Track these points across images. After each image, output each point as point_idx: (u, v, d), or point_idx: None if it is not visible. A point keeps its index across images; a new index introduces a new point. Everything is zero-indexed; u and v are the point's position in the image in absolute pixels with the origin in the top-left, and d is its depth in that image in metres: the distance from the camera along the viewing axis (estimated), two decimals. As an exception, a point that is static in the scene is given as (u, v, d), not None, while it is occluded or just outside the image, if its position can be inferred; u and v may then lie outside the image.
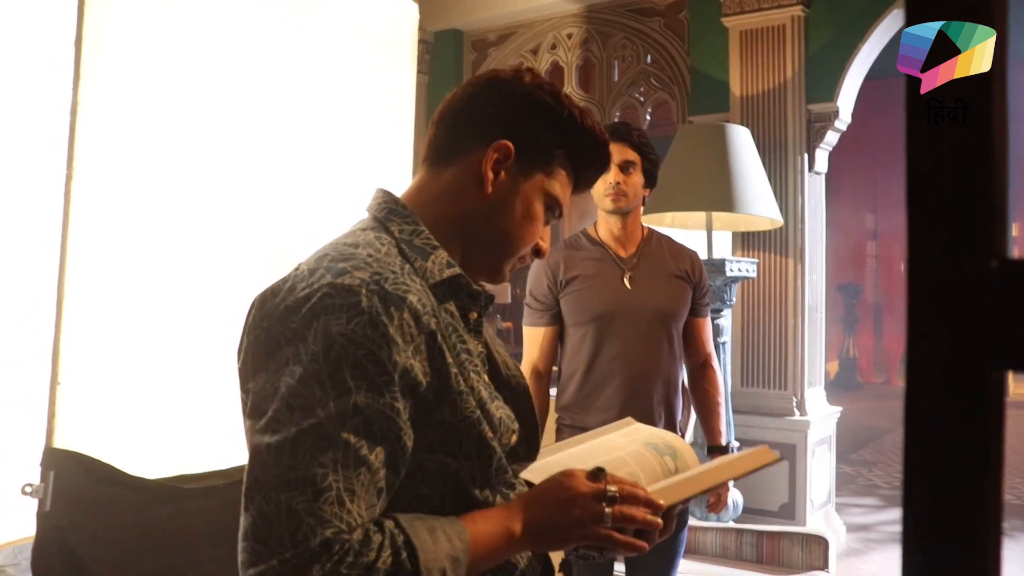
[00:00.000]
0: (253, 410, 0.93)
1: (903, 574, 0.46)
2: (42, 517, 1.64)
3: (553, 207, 1.13)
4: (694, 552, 3.58)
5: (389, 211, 1.08)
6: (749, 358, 4.62)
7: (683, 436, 2.78)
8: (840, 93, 4.48)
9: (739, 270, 3.98)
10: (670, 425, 2.39)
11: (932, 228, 0.44)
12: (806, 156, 4.54)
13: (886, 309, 12.62)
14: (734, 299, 4.12)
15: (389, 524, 0.91)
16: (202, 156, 1.98)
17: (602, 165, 1.18)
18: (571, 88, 5.37)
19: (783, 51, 4.52)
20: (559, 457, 1.22)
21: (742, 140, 3.94)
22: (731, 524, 3.73)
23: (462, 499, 1.01)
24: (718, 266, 3.90)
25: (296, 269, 0.99)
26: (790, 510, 4.34)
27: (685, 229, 4.51)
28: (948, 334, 0.44)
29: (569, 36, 5.40)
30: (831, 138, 4.61)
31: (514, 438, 1.10)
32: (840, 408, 4.85)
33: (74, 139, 1.70)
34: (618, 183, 2.35)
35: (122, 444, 1.79)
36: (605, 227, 2.46)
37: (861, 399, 10.46)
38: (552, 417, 2.50)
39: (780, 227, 4.32)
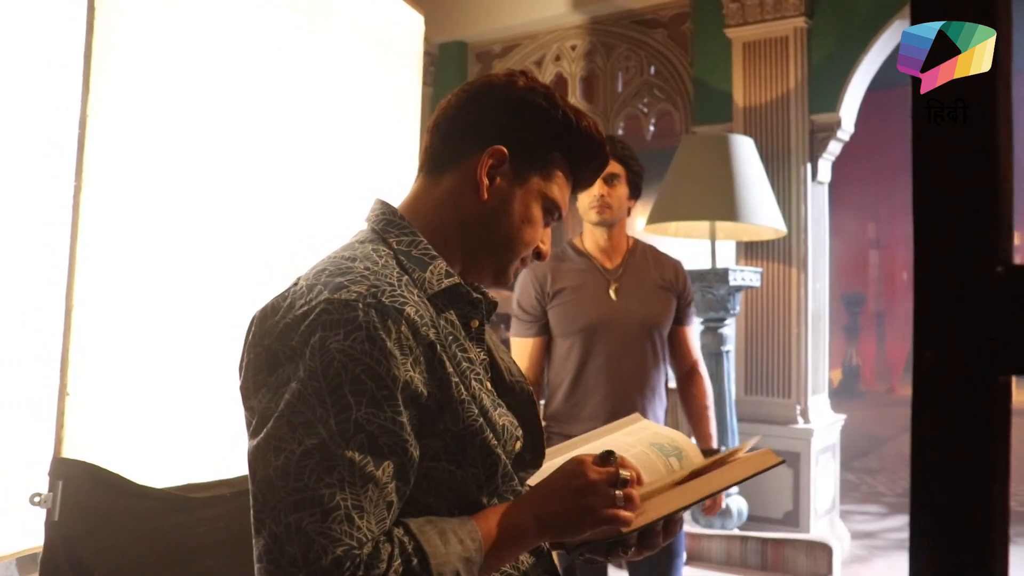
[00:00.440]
0: (256, 428, 0.93)
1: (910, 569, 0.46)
2: (50, 527, 1.64)
3: (552, 209, 1.13)
4: (699, 559, 3.57)
5: (387, 223, 1.08)
6: (753, 366, 4.62)
7: None
8: (843, 103, 4.50)
9: (743, 279, 3.98)
10: None
11: (938, 235, 0.45)
12: (809, 166, 4.55)
13: (888, 318, 12.62)
14: (738, 308, 4.13)
15: (398, 532, 0.91)
16: (209, 162, 1.99)
17: (600, 165, 1.16)
18: (575, 99, 5.39)
19: (786, 62, 4.54)
20: (561, 461, 1.22)
21: (746, 150, 3.95)
22: (736, 532, 3.73)
23: (469, 507, 1.01)
24: (722, 275, 3.91)
25: (295, 284, 1.00)
26: (794, 517, 4.34)
27: (689, 238, 4.52)
28: (955, 339, 0.45)
29: (573, 48, 5.42)
30: (834, 148, 4.62)
31: (519, 445, 1.09)
32: (844, 416, 4.85)
33: (83, 146, 1.71)
34: (602, 196, 2.40)
35: (130, 454, 1.79)
36: (591, 238, 2.50)
37: (864, 407, 10.43)
38: None
39: (783, 236, 4.33)
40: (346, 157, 2.38)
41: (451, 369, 0.99)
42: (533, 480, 1.13)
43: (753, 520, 4.17)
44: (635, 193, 2.48)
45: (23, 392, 1.82)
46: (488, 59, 5.73)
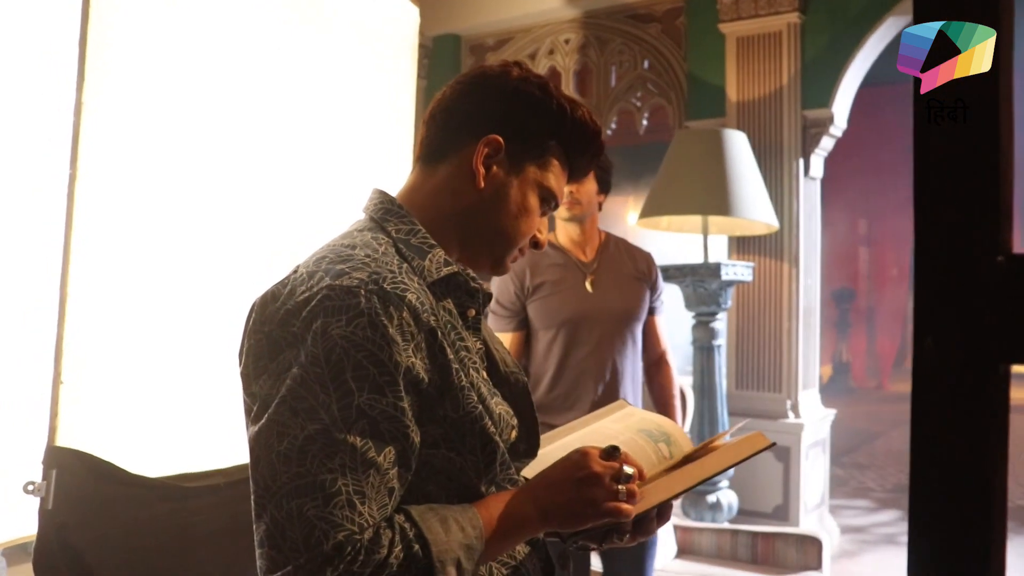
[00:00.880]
0: (257, 414, 0.94)
1: (908, 568, 0.47)
2: (44, 515, 1.64)
3: (548, 198, 1.13)
4: (690, 552, 3.59)
5: (385, 211, 1.09)
6: (744, 361, 4.64)
7: None
8: (836, 99, 4.51)
9: (735, 274, 4.00)
10: None
11: (939, 225, 0.46)
12: (802, 161, 4.57)
13: (878, 314, 12.66)
14: (729, 302, 4.14)
15: (399, 519, 0.92)
16: (203, 156, 1.98)
17: (595, 153, 1.17)
18: (568, 93, 5.37)
19: (779, 57, 4.55)
20: (553, 448, 1.22)
21: (739, 145, 3.96)
22: (726, 525, 3.75)
23: (468, 495, 1.01)
24: (714, 270, 3.92)
25: (294, 272, 1.00)
26: (784, 512, 4.36)
27: (682, 232, 4.53)
28: (955, 327, 0.46)
29: (567, 41, 5.42)
30: (826, 143, 4.64)
31: (514, 434, 1.10)
32: (834, 411, 4.87)
33: (78, 138, 1.70)
34: (571, 192, 2.48)
35: (124, 442, 1.79)
36: (564, 233, 2.59)
37: (853, 403, 10.48)
38: None
39: (776, 231, 4.34)
40: (340, 147, 2.38)
41: (451, 356, 0.99)
42: (528, 471, 1.14)
43: (743, 514, 4.19)
44: (604, 188, 2.56)
45: (17, 381, 1.82)
46: (481, 52, 5.72)
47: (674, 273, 3.92)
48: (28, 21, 1.89)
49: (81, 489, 1.67)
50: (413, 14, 2.64)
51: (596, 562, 2.63)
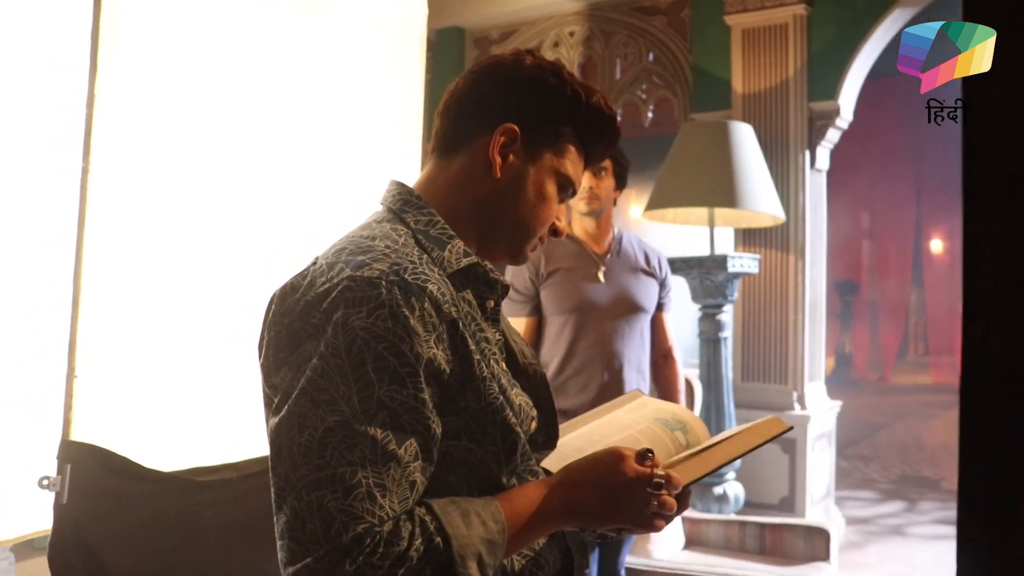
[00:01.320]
0: (277, 406, 0.93)
1: (958, 554, 0.47)
2: (59, 509, 1.64)
3: (566, 186, 1.13)
4: (698, 544, 3.60)
5: (404, 202, 1.08)
6: (750, 353, 4.64)
7: None
8: (842, 91, 4.50)
9: (741, 266, 4.00)
10: None
11: (987, 215, 0.46)
12: (808, 153, 4.56)
13: (881, 307, 12.65)
14: (735, 294, 4.14)
15: (420, 511, 0.91)
16: (214, 151, 1.98)
17: (611, 139, 1.17)
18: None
19: (785, 49, 4.54)
20: (569, 439, 1.21)
21: (745, 137, 3.95)
22: (733, 516, 3.76)
23: (489, 486, 1.01)
24: (720, 262, 3.92)
25: (314, 263, 0.99)
26: (790, 503, 4.36)
27: (687, 225, 4.53)
28: (1002, 317, 0.46)
29: (571, 34, 5.41)
30: (832, 136, 4.63)
31: (534, 425, 1.10)
32: (840, 402, 4.87)
33: (90, 133, 1.70)
34: (591, 188, 2.57)
35: (138, 437, 1.80)
36: (579, 225, 2.67)
37: (856, 395, 10.47)
38: None
39: (782, 224, 4.34)
40: (348, 143, 2.38)
41: (473, 347, 0.99)
42: (547, 462, 1.14)
43: (749, 506, 4.20)
44: (620, 184, 2.64)
45: (32, 376, 1.82)
46: (486, 45, 5.71)
47: (680, 265, 3.91)
48: (41, 17, 1.88)
49: (96, 483, 1.68)
50: (421, 7, 2.63)
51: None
